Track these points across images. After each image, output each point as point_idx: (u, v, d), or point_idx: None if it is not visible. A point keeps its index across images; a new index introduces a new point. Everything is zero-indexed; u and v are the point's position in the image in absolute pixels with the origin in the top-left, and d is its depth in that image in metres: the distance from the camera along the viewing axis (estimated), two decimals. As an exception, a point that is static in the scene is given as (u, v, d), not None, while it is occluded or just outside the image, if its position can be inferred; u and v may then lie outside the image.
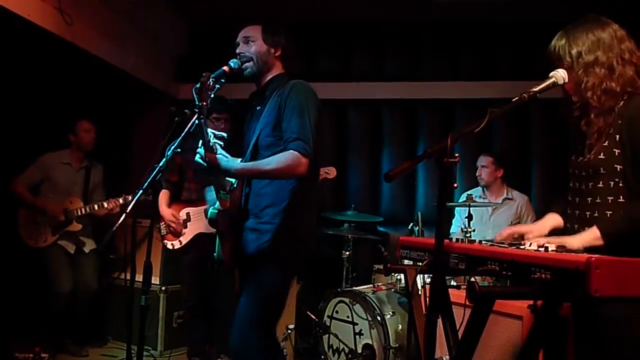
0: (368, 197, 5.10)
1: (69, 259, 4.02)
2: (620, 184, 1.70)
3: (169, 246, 3.69)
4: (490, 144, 4.71)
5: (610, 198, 1.71)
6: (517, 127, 4.86)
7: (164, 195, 3.70)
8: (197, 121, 2.07)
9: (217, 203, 2.38)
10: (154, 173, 2.12)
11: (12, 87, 3.94)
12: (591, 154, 1.76)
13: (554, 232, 1.89)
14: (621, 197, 1.70)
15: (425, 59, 5.14)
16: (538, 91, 1.68)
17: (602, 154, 1.73)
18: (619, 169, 1.70)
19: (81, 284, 4.00)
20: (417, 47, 5.16)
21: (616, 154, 1.70)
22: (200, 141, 2.15)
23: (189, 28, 5.48)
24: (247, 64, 2.40)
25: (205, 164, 2.14)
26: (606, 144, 1.72)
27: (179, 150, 2.17)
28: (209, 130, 2.14)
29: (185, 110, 2.33)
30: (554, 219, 1.92)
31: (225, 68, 2.28)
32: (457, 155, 1.48)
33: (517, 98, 1.65)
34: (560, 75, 1.72)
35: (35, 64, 4.08)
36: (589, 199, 1.77)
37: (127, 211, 2.08)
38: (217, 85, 2.29)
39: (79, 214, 3.99)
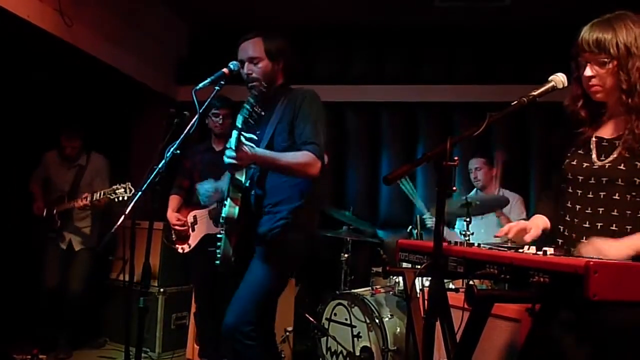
0: (367, 200, 5.10)
1: (61, 255, 4.06)
2: (638, 199, 1.61)
3: (180, 250, 3.63)
4: (489, 147, 4.71)
5: (628, 212, 1.62)
6: (515, 130, 4.86)
7: (172, 201, 3.65)
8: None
9: (229, 200, 2.37)
10: (153, 175, 2.12)
11: (11, 88, 3.93)
12: (607, 162, 1.66)
13: (543, 233, 1.83)
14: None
15: (424, 61, 5.15)
16: (537, 95, 1.66)
17: (622, 164, 1.62)
18: (637, 182, 1.60)
19: (68, 283, 4.02)
20: (416, 50, 5.16)
21: (638, 166, 1.60)
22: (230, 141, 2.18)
23: (189, 30, 5.48)
24: (254, 84, 2.45)
25: (234, 161, 2.17)
26: (627, 154, 1.62)
27: (178, 152, 2.17)
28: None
29: (185, 112, 2.33)
30: (543, 221, 1.86)
31: (225, 70, 2.33)
32: (456, 158, 1.48)
33: (516, 102, 1.63)
34: (559, 79, 1.70)
35: (34, 65, 4.08)
36: (600, 209, 1.65)
37: (127, 213, 2.08)
38: (216, 87, 2.31)
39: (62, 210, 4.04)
